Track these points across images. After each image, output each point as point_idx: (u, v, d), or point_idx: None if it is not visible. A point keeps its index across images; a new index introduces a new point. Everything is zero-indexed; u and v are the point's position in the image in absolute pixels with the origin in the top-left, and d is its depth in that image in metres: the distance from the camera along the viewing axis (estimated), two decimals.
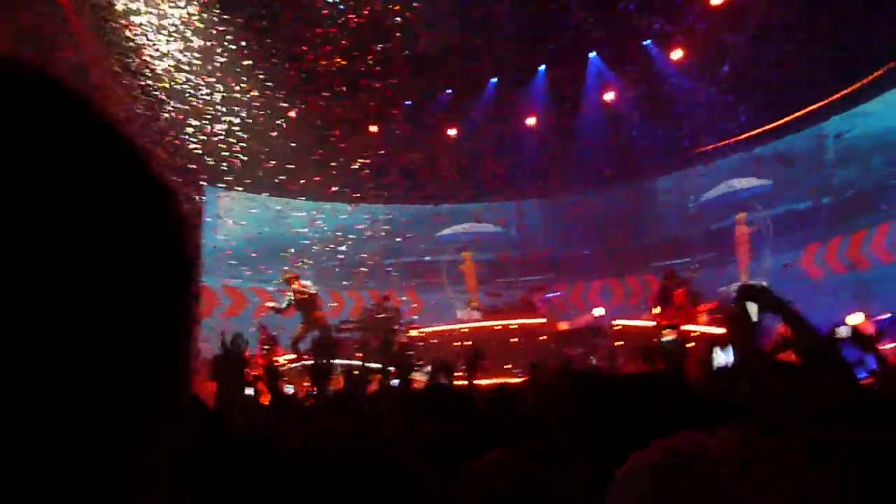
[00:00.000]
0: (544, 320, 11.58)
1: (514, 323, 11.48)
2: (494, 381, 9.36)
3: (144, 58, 10.78)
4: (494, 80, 13.60)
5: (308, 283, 11.30)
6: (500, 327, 11.49)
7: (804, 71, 11.26)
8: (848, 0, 10.28)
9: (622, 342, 10.55)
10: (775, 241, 12.66)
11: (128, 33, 10.52)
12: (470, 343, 11.25)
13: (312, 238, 14.30)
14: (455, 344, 11.26)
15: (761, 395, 2.01)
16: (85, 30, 10.30)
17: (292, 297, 11.02)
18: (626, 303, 14.46)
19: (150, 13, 10.68)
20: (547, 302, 12.53)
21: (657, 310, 11.60)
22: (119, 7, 10.29)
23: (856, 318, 9.27)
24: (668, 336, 8.78)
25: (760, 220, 12.96)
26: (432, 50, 12.35)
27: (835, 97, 11.75)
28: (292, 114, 12.91)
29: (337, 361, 10.98)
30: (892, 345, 7.04)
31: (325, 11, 11.23)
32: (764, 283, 11.26)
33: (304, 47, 11.73)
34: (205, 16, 11.01)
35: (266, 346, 10.98)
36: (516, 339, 11.22)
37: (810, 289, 11.95)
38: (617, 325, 10.90)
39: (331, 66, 11.92)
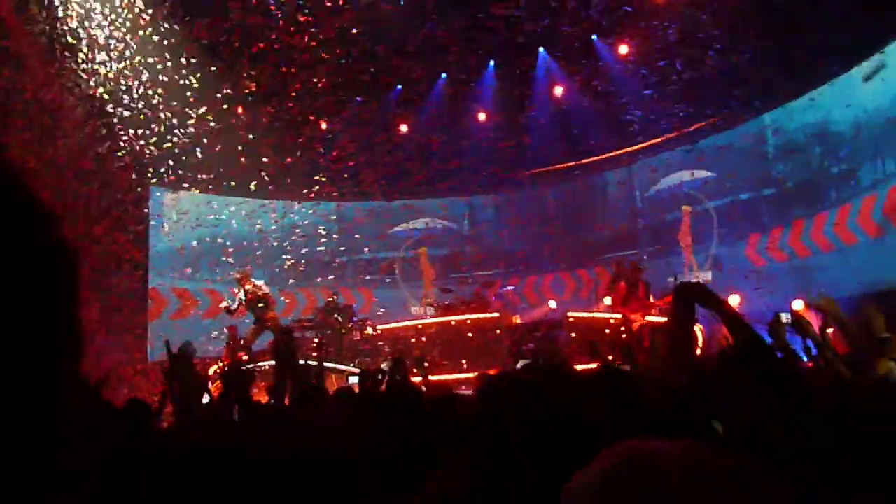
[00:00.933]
0: (498, 315, 11.53)
1: (467, 318, 11.41)
2: (449, 377, 9.45)
3: (86, 54, 10.46)
4: (444, 76, 13.60)
5: (260, 282, 11.15)
6: (454, 323, 11.42)
7: (745, 65, 11.61)
8: None
9: (575, 334, 10.67)
10: (719, 231, 12.96)
11: (69, 29, 10.20)
12: (425, 340, 11.35)
13: (264, 237, 14.10)
14: (411, 340, 11.25)
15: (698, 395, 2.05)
16: (22, 27, 9.96)
17: (244, 297, 10.85)
18: (577, 295, 14.70)
19: (93, 10, 10.35)
20: (500, 296, 12.54)
21: (608, 300, 11.86)
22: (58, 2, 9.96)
23: (798, 305, 9.67)
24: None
25: (704, 211, 13.31)
26: (382, 47, 12.30)
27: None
28: (240, 111, 12.70)
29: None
30: (831, 330, 7.35)
31: (272, 7, 11.06)
32: (704, 278, 11.65)
33: (253, 47, 11.54)
34: (149, 12, 10.72)
35: (234, 350, 10.84)
36: (471, 335, 11.23)
37: (754, 277, 12.39)
38: (571, 318, 11.00)
39: (279, 63, 11.75)
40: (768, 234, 12.73)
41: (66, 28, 10.13)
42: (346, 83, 12.70)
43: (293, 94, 12.39)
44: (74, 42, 10.27)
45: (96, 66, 10.60)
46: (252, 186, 13.06)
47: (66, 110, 10.41)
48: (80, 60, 10.38)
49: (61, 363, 0.41)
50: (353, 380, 8.76)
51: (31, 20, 9.87)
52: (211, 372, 10.51)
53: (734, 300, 10.66)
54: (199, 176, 12.59)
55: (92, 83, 10.60)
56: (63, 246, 0.45)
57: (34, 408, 0.39)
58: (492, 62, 13.42)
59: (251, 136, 12.49)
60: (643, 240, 14.65)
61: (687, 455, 0.81)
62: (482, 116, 14.26)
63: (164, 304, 13.28)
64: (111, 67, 10.77)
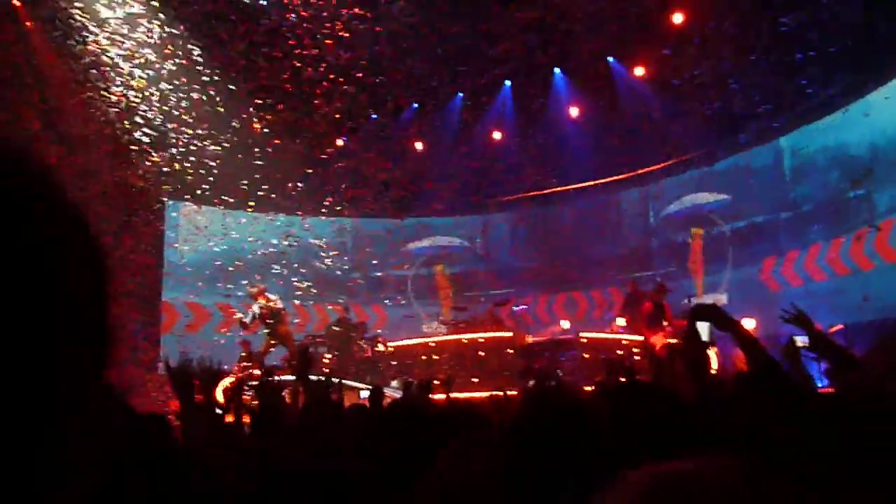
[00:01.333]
0: (511, 334, 11.52)
1: (481, 337, 11.40)
2: (462, 395, 9.44)
3: (104, 72, 10.67)
4: (461, 94, 13.71)
5: (275, 297, 11.22)
6: (467, 341, 11.41)
7: (761, 86, 11.63)
8: (803, 18, 10.63)
9: (588, 355, 10.62)
10: (735, 253, 12.89)
11: (88, 48, 10.42)
12: (437, 357, 11.34)
13: (278, 252, 14.19)
14: (423, 358, 11.25)
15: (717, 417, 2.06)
16: (45, 46, 10.20)
17: (258, 312, 10.92)
18: (590, 315, 14.67)
19: (109, 30, 10.56)
20: (513, 315, 12.56)
21: (621, 321, 11.80)
22: (78, 23, 10.18)
23: None
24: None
25: (721, 233, 13.26)
26: (399, 64, 12.43)
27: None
28: (257, 126, 12.84)
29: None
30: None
31: (289, 25, 11.21)
32: (720, 299, 11.54)
33: (269, 60, 11.69)
34: (164, 31, 10.92)
35: (246, 363, 10.90)
36: (483, 353, 11.22)
37: (769, 301, 12.30)
38: (584, 338, 10.96)
39: (297, 79, 11.90)
40: (784, 258, 12.65)
41: (85, 42, 10.36)
42: (363, 101, 12.83)
43: (310, 110, 12.53)
44: (94, 57, 10.49)
45: (116, 82, 10.80)
46: (267, 202, 13.18)
47: (85, 123, 10.61)
48: (101, 76, 10.60)
49: (86, 360, 0.43)
50: (365, 394, 8.77)
51: (51, 35, 10.13)
52: (222, 386, 10.57)
53: (749, 324, 10.60)
54: (214, 190, 12.71)
55: (113, 98, 10.81)
56: (92, 241, 0.47)
57: (47, 404, 0.41)
58: (508, 81, 13.50)
59: (268, 151, 12.62)
60: (657, 261, 14.58)
61: (735, 475, 0.78)
62: (497, 135, 14.35)
63: (176, 317, 13.39)
64: (132, 82, 10.96)
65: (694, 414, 2.11)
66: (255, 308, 10.97)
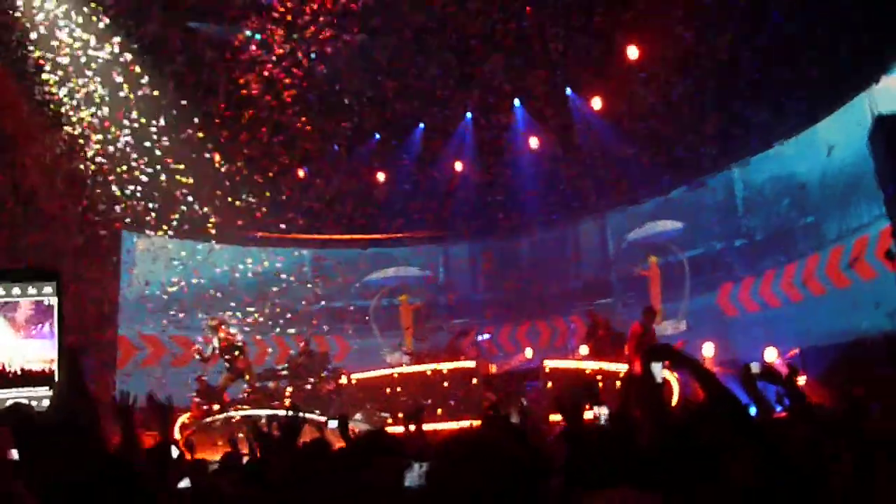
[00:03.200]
0: (474, 364, 11.48)
1: (444, 367, 11.35)
2: (425, 426, 9.44)
3: (59, 99, 10.55)
4: (422, 126, 13.91)
5: (234, 330, 11.13)
6: (430, 372, 11.36)
7: (713, 119, 12.09)
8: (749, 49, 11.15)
9: (552, 383, 10.75)
10: (692, 281, 13.27)
11: (43, 76, 10.31)
12: (401, 389, 11.32)
13: (237, 283, 14.05)
14: (387, 390, 11.22)
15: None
16: None
17: (218, 345, 10.81)
18: (552, 344, 14.79)
19: (66, 56, 10.48)
20: (476, 345, 12.61)
21: (584, 349, 12.01)
22: (33, 49, 10.09)
23: (770, 354, 9.93)
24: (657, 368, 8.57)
25: (677, 261, 13.64)
26: (360, 95, 12.60)
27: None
28: (216, 157, 12.79)
29: (263, 412, 10.87)
30: (803, 379, 7.56)
31: (248, 55, 11.28)
32: (679, 326, 11.71)
33: (228, 90, 11.72)
34: (122, 58, 10.87)
35: (199, 399, 10.73)
36: (447, 384, 11.23)
37: (726, 326, 12.69)
38: (548, 367, 11.09)
39: (256, 110, 11.94)
40: (740, 284, 13.03)
41: (35, 67, 10.23)
42: (324, 131, 12.92)
43: (270, 140, 12.56)
44: (45, 82, 10.37)
45: (68, 110, 10.67)
46: (225, 232, 13.07)
47: (34, 151, 10.43)
48: (51, 103, 10.47)
49: None
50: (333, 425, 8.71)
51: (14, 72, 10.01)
52: (179, 423, 10.37)
53: (709, 349, 10.89)
54: (172, 221, 12.54)
55: (64, 126, 10.67)
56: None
57: None
58: (469, 114, 13.77)
59: (227, 184, 12.57)
60: (617, 289, 14.88)
61: None
62: (459, 166, 14.56)
63: (132, 352, 13.11)
64: (83, 111, 10.83)
65: (645, 452, 2.21)
66: (215, 341, 10.86)
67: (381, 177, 14.63)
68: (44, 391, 4.31)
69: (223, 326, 10.93)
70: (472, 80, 12.69)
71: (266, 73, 11.35)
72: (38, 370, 4.41)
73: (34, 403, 4.25)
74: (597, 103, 13.06)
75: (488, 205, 14.54)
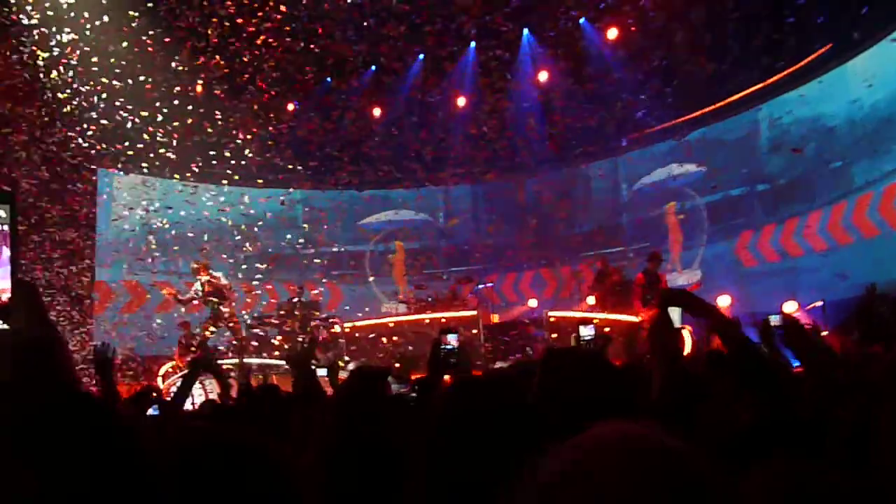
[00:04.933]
0: (475, 313, 11.56)
1: (443, 316, 11.41)
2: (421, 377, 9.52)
3: (31, 34, 10.31)
4: (422, 56, 13.61)
5: (219, 273, 11.08)
6: (428, 321, 11.45)
7: (738, 54, 11.80)
8: None
9: (556, 334, 10.81)
10: (710, 228, 13.15)
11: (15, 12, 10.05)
12: (397, 338, 11.39)
13: (220, 226, 13.94)
14: (382, 340, 11.30)
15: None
16: None
17: (200, 289, 10.76)
18: (558, 294, 14.83)
19: None
20: (477, 294, 12.59)
21: (591, 300, 12.04)
22: None
23: (790, 307, 9.92)
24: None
25: (694, 207, 13.52)
26: (354, 23, 12.28)
27: (768, 82, 12.30)
28: (198, 88, 12.57)
29: (255, 360, 10.96)
30: (825, 332, 7.54)
31: None
32: (694, 276, 11.72)
33: (211, 17, 11.41)
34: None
35: (190, 346, 10.77)
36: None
37: (744, 277, 12.67)
38: (552, 317, 11.13)
39: (242, 38, 11.66)
40: (760, 232, 12.95)
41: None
42: (316, 63, 12.64)
43: (258, 73, 12.31)
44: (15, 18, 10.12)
45: (38, 40, 10.42)
46: (210, 171, 12.92)
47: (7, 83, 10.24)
48: (21, 35, 10.23)
49: None
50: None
51: None
52: (163, 371, 10.47)
53: (725, 301, 10.87)
54: (150, 159, 12.38)
55: (38, 60, 10.44)
56: None
57: None
58: (473, 43, 13.45)
59: (215, 117, 12.36)
60: (628, 236, 14.77)
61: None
62: (461, 101, 14.30)
63: (110, 298, 13.12)
64: (56, 41, 10.58)
65: (656, 403, 2.21)
66: (197, 285, 10.79)
67: (377, 112, 14.40)
68: None
69: (207, 269, 10.86)
70: (476, 5, 12.32)
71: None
72: None
73: None
74: (612, 34, 12.75)
75: (492, 143, 14.28)
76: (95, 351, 3.41)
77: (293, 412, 3.34)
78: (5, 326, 3.22)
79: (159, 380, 10.16)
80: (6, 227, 4.37)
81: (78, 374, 3.79)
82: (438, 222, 16.43)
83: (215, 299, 10.78)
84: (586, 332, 5.58)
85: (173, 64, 11.78)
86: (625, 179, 15.08)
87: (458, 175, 15.30)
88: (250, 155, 12.86)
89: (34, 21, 10.26)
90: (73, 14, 10.52)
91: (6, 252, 4.30)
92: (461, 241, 16.12)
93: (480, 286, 12.89)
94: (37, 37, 10.37)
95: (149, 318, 12.78)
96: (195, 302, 10.85)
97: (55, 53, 10.60)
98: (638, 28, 12.33)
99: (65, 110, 10.93)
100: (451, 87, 14.10)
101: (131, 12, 10.90)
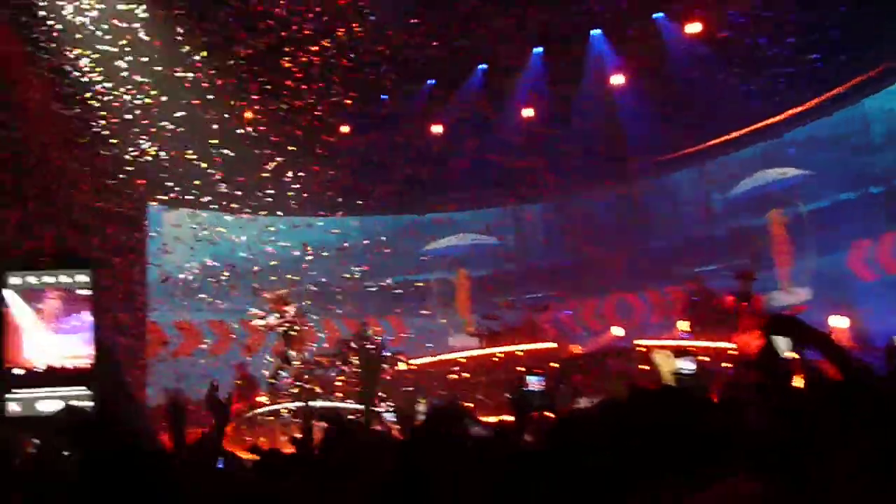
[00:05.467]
0: (554, 345, 11.23)
1: (519, 349, 11.16)
2: (497, 418, 9.04)
3: (75, 65, 10.45)
4: (483, 66, 13.30)
5: (293, 307, 10.89)
6: (502, 355, 11.18)
7: (843, 41, 10.99)
8: None
9: (647, 366, 10.20)
10: (818, 238, 12.48)
11: (56, 39, 10.22)
12: (468, 375, 11.02)
13: (275, 258, 13.83)
14: (452, 377, 11.01)
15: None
16: (8, 38, 10.02)
17: (275, 324, 10.59)
18: (647, 319, 14.28)
19: (79, 16, 10.30)
20: (555, 323, 12.29)
21: (684, 325, 11.33)
22: (45, 13, 9.99)
23: None
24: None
25: (798, 215, 12.78)
26: (409, 35, 12.04)
27: (878, 69, 11.58)
28: (248, 115, 12.49)
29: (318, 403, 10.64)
30: None
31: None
32: (801, 294, 10.92)
33: (259, 39, 11.36)
34: (138, 12, 10.65)
35: (246, 390, 10.67)
36: (523, 369, 10.92)
37: (860, 294, 11.76)
38: (641, 347, 10.46)
39: (291, 57, 11.55)
40: (878, 242, 12.23)
41: (59, 34, 10.19)
42: (370, 80, 12.46)
43: (307, 94, 12.19)
44: (69, 51, 10.36)
45: (92, 76, 10.58)
46: (260, 202, 12.83)
47: (60, 123, 10.41)
48: (74, 70, 10.43)
49: None
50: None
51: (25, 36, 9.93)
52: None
53: (840, 322, 10.08)
54: (200, 191, 12.40)
55: (88, 94, 10.61)
56: None
57: None
58: (538, 48, 13.06)
59: (261, 143, 12.26)
60: (722, 251, 14.10)
61: None
62: (528, 112, 13.93)
63: (163, 340, 13.06)
64: (107, 75, 10.72)
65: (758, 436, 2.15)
66: (271, 319, 10.61)
67: (437, 130, 14.09)
68: (79, 391, 4.28)
69: (286, 302, 10.70)
70: (540, 8, 11.94)
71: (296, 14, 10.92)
72: (71, 368, 4.34)
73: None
74: (692, 28, 12.12)
75: (564, 156, 13.80)
76: (168, 399, 3.52)
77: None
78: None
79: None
80: (86, 292, 4.54)
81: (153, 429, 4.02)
82: (508, 245, 16.04)
83: (294, 333, 10.67)
84: (685, 364, 5.54)
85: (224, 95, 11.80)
86: (714, 189, 14.61)
87: (527, 192, 14.96)
88: (298, 185, 12.70)
89: (84, 54, 10.46)
90: (122, 44, 10.66)
91: (88, 318, 4.48)
92: (534, 265, 15.71)
93: (559, 314, 12.60)
94: (88, 68, 10.54)
95: (200, 359, 12.66)
96: (290, 332, 10.66)
97: (111, 90, 10.75)
98: (721, 18, 11.69)
99: (113, 141, 10.98)
100: (515, 98, 13.76)
101: (178, 36, 10.93)
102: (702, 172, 14.78)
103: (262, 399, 10.82)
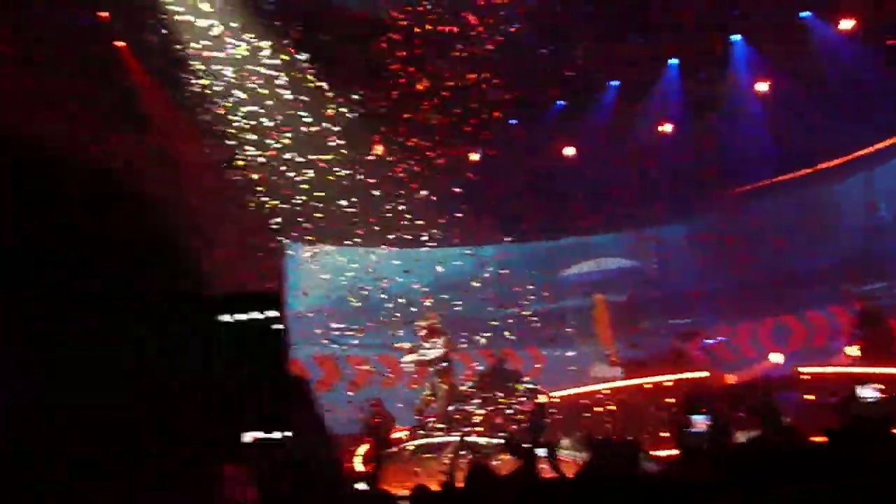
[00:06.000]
0: (706, 374, 10.92)
1: (667, 380, 10.90)
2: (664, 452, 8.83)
3: (213, 105, 11.17)
4: (616, 83, 13.17)
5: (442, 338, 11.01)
6: (650, 386, 10.98)
7: None
8: None
9: (813, 396, 9.68)
10: None
11: (192, 79, 10.97)
12: (613, 408, 10.83)
13: (407, 291, 14.14)
14: (597, 410, 10.93)
15: None
16: (152, 84, 10.94)
17: (437, 352, 10.71)
18: (808, 344, 13.65)
19: (212, 51, 11.03)
20: (706, 350, 11.89)
21: (852, 350, 10.67)
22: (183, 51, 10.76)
23: None
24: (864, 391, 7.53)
25: None
26: (535, 56, 12.12)
27: None
28: (378, 149, 12.90)
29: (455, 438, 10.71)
30: None
31: (405, 22, 11.19)
32: None
33: (387, 68, 11.74)
34: (268, 48, 11.26)
35: (384, 427, 10.95)
36: (672, 401, 10.59)
37: None
38: (805, 374, 9.97)
39: (417, 85, 11.86)
40: None
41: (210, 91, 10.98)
42: (496, 105, 12.59)
43: (434, 123, 12.46)
44: (202, 87, 11.00)
45: (227, 110, 11.25)
46: (391, 233, 13.15)
47: (198, 164, 11.17)
48: (206, 103, 11.08)
49: None
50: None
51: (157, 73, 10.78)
52: (361, 451, 10.50)
53: None
54: (331, 226, 12.87)
55: (222, 127, 11.25)
56: None
57: None
58: (674, 59, 12.79)
59: (388, 176, 12.61)
60: (892, 267, 13.26)
61: None
62: (667, 128, 13.68)
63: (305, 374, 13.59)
64: (240, 112, 11.37)
65: None
66: (433, 348, 10.75)
67: (569, 152, 14.05)
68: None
69: (439, 332, 10.80)
70: (677, 18, 11.72)
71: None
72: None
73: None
74: (846, 24, 11.54)
75: (706, 171, 13.48)
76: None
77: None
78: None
79: (356, 460, 10.19)
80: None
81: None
82: (649, 268, 15.71)
83: (445, 365, 10.79)
84: (866, 392, 5.35)
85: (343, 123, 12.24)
86: (882, 197, 13.83)
87: (668, 212, 14.66)
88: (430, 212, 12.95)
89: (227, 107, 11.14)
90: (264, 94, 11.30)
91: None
92: (678, 288, 15.30)
93: (708, 341, 12.20)
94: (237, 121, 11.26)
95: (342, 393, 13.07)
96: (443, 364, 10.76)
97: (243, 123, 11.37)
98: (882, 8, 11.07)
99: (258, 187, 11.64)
100: (652, 112, 13.52)
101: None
102: (866, 180, 14.07)
103: (401, 434, 11.02)
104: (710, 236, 15.35)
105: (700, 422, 3.26)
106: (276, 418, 3.97)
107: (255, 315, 4.75)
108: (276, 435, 4.06)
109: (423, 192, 12.79)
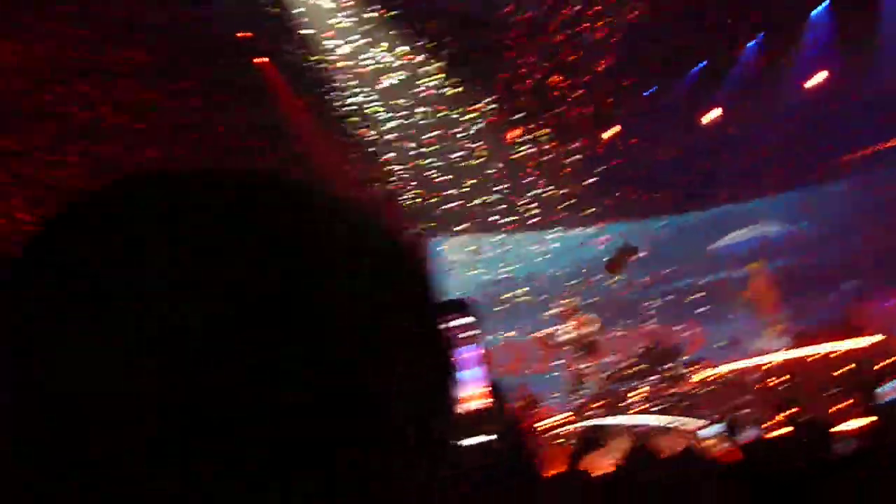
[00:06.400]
0: (881, 337, 10.41)
1: (837, 348, 10.51)
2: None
3: (352, 108, 11.68)
4: (759, 35, 12.80)
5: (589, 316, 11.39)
6: (818, 356, 10.60)
7: None
8: None
9: None
10: None
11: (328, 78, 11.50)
12: (778, 381, 10.52)
13: (543, 276, 14.25)
14: (758, 385, 10.79)
15: None
16: (284, 84, 11.55)
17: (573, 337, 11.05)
18: None
19: (348, 52, 11.52)
20: (881, 313, 11.33)
21: None
22: (317, 48, 11.27)
23: None
24: None
25: None
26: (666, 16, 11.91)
27: None
28: (508, 136, 13.09)
29: (615, 421, 10.78)
30: None
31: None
32: None
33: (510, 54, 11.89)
34: (406, 45, 11.65)
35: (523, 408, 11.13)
36: (846, 369, 10.14)
37: None
38: None
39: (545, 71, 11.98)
40: None
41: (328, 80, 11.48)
42: (627, 72, 12.47)
43: (564, 97, 12.50)
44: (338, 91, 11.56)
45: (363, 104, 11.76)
46: (523, 217, 13.38)
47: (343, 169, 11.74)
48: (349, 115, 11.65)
49: None
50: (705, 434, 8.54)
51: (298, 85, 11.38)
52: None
53: None
54: (473, 214, 13.18)
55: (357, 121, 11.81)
56: None
57: None
58: (821, 5, 12.29)
59: (520, 161, 12.77)
60: None
61: None
62: (822, 76, 13.08)
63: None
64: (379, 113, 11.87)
65: None
66: (570, 333, 11.07)
67: (714, 114, 13.69)
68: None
69: (579, 317, 11.19)
70: None
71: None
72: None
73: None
74: None
75: (870, 121, 12.83)
76: None
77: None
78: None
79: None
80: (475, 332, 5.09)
81: None
82: (808, 231, 15.09)
83: (594, 347, 11.17)
84: None
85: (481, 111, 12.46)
86: None
87: (824, 170, 14.13)
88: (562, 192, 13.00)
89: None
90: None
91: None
92: (844, 251, 14.51)
93: (882, 306, 11.67)
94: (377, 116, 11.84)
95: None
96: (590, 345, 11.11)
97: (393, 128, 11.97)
98: None
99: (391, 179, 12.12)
100: (800, 63, 13.02)
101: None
102: None
103: (549, 420, 11.18)
104: (878, 191, 14.52)
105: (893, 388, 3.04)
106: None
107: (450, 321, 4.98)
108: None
109: (568, 175, 12.95)
